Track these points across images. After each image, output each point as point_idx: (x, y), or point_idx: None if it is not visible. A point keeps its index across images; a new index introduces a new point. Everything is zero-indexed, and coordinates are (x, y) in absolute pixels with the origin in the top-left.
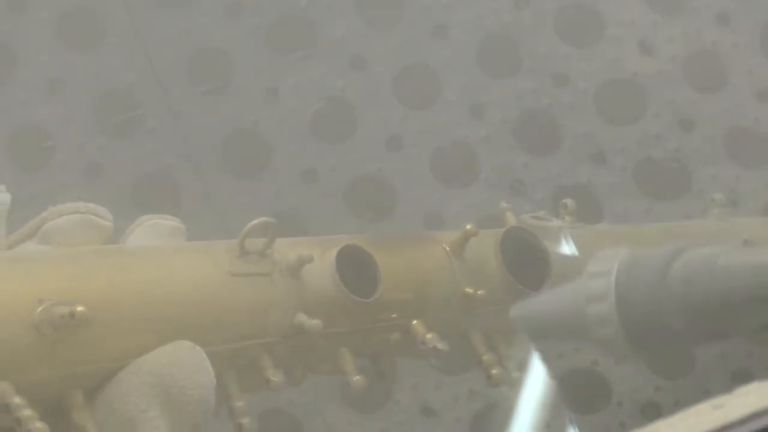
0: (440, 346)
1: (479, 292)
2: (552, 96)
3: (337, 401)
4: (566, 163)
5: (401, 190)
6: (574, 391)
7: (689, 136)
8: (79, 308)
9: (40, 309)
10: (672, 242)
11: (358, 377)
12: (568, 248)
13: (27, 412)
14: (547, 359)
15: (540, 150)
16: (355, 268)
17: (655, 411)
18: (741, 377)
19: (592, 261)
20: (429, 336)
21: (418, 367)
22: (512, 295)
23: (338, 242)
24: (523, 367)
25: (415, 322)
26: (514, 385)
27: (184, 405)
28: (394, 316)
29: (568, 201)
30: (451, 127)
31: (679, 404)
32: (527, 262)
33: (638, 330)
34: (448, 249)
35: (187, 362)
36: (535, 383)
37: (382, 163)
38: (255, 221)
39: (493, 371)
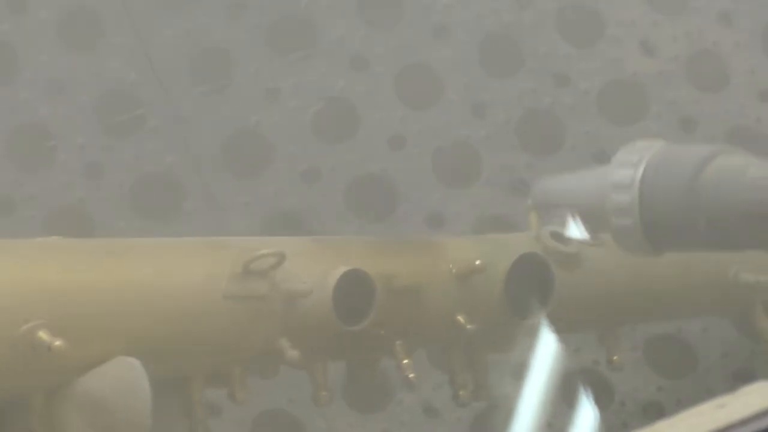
0: (412, 376)
1: (468, 326)
2: (553, 96)
3: (339, 401)
4: (568, 162)
5: (402, 189)
6: (577, 391)
7: (691, 136)
8: (57, 343)
9: (24, 328)
10: None
11: (324, 394)
12: (580, 272)
13: None
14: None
15: (542, 150)
16: (355, 284)
17: (657, 411)
18: (743, 377)
19: (622, 149)
20: (405, 362)
21: (418, 367)
22: (508, 327)
23: (346, 252)
24: (499, 387)
25: (398, 342)
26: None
27: (114, 428)
28: (381, 332)
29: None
30: (452, 127)
31: (681, 404)
32: (533, 279)
33: (658, 226)
34: (454, 271)
35: (122, 384)
36: (536, 384)
37: (384, 163)
38: (266, 252)
39: (461, 392)
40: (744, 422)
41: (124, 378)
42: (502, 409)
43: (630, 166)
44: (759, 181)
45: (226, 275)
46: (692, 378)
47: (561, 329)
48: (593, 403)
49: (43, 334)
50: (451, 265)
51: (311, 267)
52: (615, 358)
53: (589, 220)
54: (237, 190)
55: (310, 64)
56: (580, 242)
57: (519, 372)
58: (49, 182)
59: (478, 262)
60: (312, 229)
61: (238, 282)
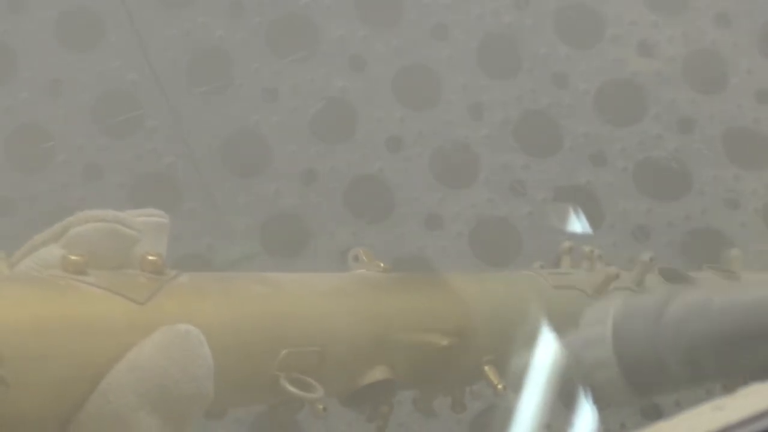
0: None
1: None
2: (552, 96)
3: (338, 402)
4: (566, 163)
5: (401, 190)
6: (575, 392)
7: (689, 137)
8: None
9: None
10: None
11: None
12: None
13: None
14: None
15: (540, 151)
16: None
17: (655, 412)
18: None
19: (587, 310)
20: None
21: None
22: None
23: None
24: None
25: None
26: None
27: (177, 401)
28: None
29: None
30: (450, 128)
31: (679, 405)
32: None
33: (637, 372)
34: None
35: (179, 351)
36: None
37: (382, 163)
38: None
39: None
40: (742, 424)
41: (183, 345)
42: (500, 410)
43: (598, 322)
44: (723, 308)
45: None
46: None
47: None
48: (591, 403)
49: None
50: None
51: None
52: None
53: (568, 386)
54: (236, 190)
55: (309, 64)
56: None
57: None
58: (48, 182)
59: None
60: (311, 229)
61: None
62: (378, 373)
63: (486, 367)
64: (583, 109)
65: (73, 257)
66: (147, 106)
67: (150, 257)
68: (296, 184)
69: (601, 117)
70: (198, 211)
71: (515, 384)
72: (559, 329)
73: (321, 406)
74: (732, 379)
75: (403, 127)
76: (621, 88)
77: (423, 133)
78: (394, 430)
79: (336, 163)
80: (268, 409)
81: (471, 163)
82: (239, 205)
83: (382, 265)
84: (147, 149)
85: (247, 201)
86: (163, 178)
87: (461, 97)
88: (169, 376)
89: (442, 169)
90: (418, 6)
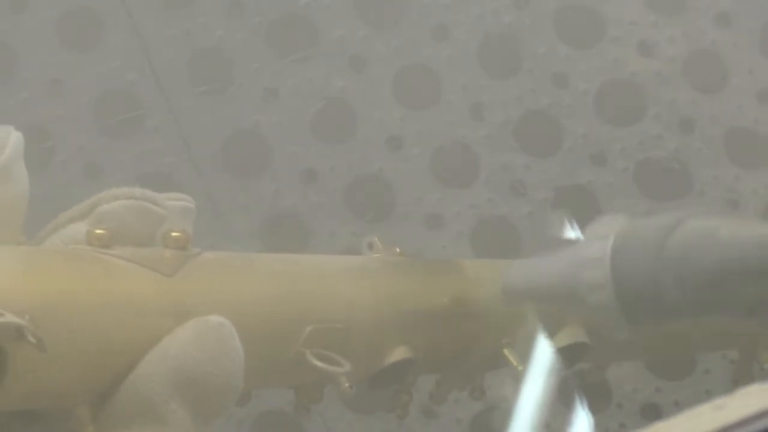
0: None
1: None
2: (552, 96)
3: (338, 402)
4: (566, 163)
5: (401, 190)
6: (574, 393)
7: (689, 137)
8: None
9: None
10: None
11: None
12: None
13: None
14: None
15: (540, 151)
16: None
17: (655, 412)
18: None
19: (589, 227)
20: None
21: None
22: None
23: None
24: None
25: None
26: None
27: (208, 394)
28: None
29: None
30: (451, 128)
31: (679, 405)
32: None
33: (633, 298)
34: None
35: (212, 344)
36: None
37: (382, 163)
38: None
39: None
40: (742, 424)
41: (215, 337)
42: (500, 410)
43: (598, 240)
44: (730, 241)
45: None
46: (690, 379)
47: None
48: (590, 404)
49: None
50: None
51: None
52: None
53: (563, 302)
54: (236, 190)
55: (309, 64)
56: None
57: (517, 373)
58: (48, 182)
59: None
60: (311, 228)
61: None
62: (400, 353)
63: (505, 350)
64: (583, 109)
65: (98, 231)
66: (147, 106)
67: (174, 233)
68: (296, 184)
69: (601, 117)
70: (198, 211)
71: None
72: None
73: (347, 384)
74: (731, 316)
75: (403, 127)
76: (621, 88)
77: (423, 133)
78: (396, 429)
79: (336, 163)
80: (294, 392)
81: (471, 163)
82: (239, 205)
83: (398, 250)
84: (147, 149)
85: (247, 201)
86: (163, 178)
87: (461, 97)
88: (201, 369)
89: (442, 169)
90: (418, 6)
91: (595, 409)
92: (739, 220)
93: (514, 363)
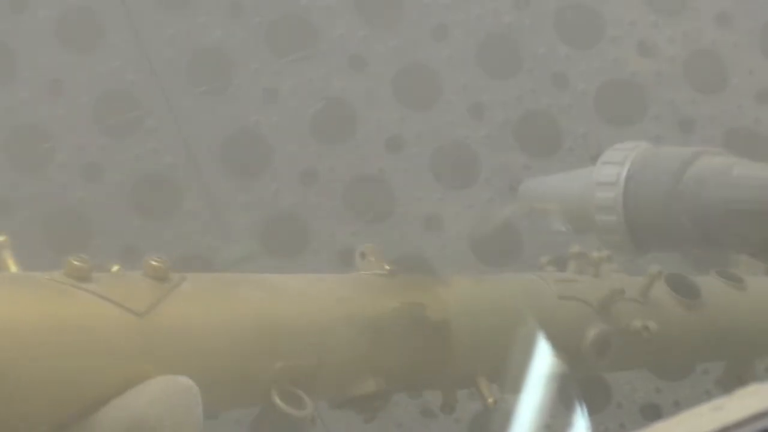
0: None
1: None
2: (552, 96)
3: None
4: (566, 163)
5: (401, 190)
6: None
7: (689, 137)
8: None
9: None
10: None
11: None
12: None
13: None
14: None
15: (540, 151)
16: None
17: (654, 412)
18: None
19: (608, 150)
20: None
21: None
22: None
23: None
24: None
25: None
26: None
27: None
28: None
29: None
30: (451, 128)
31: (679, 406)
32: None
33: (643, 223)
34: None
35: (177, 407)
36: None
37: (382, 164)
38: None
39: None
40: (741, 424)
41: (181, 402)
42: (499, 411)
43: (615, 164)
44: (743, 179)
45: None
46: (690, 380)
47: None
48: (591, 404)
49: None
50: None
51: None
52: None
53: (575, 219)
54: (236, 189)
55: (309, 64)
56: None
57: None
58: (48, 182)
59: None
60: (311, 228)
61: None
62: (369, 386)
63: (479, 379)
64: (583, 109)
65: (76, 262)
66: (147, 107)
67: (153, 262)
68: (296, 184)
69: (601, 117)
70: (198, 211)
71: (512, 393)
72: (560, 344)
73: (311, 422)
74: (737, 252)
75: (403, 127)
76: (621, 88)
77: (423, 133)
78: (394, 430)
79: (336, 163)
80: (261, 408)
81: (471, 163)
82: (239, 205)
83: (387, 267)
84: (147, 149)
85: (247, 201)
86: (163, 178)
87: (461, 97)
88: (161, 427)
89: (442, 170)
90: (418, 6)
91: (595, 409)
92: (754, 162)
93: (486, 394)
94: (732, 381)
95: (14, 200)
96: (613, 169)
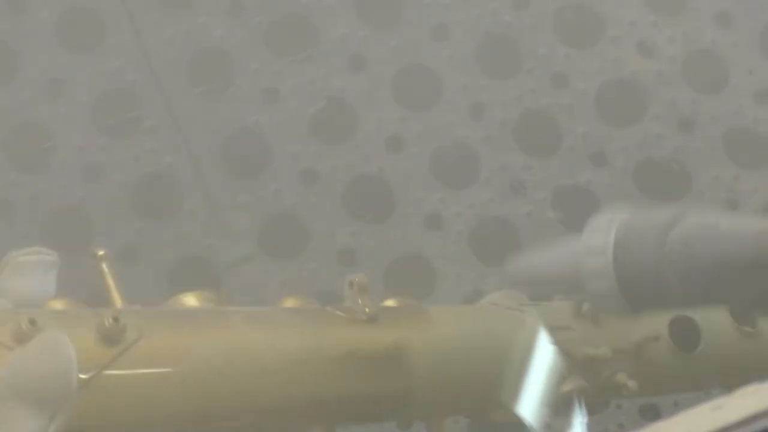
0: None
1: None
2: (552, 96)
3: None
4: (566, 163)
5: (401, 190)
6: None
7: (689, 137)
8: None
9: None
10: None
11: None
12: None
13: None
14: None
15: (540, 150)
16: None
17: (654, 412)
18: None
19: (591, 220)
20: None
21: None
22: None
23: None
24: None
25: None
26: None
27: (42, 392)
28: None
29: None
30: (451, 128)
31: (678, 405)
32: None
33: (635, 287)
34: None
35: (45, 352)
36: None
37: (382, 163)
38: None
39: None
40: (741, 424)
41: (48, 347)
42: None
43: (601, 232)
44: (731, 233)
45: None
46: None
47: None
48: (590, 404)
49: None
50: None
51: None
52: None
53: (567, 290)
54: (236, 190)
55: (309, 64)
56: None
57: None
58: (48, 182)
59: None
60: (311, 229)
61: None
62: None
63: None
64: (583, 109)
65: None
66: (147, 106)
67: (108, 321)
68: (296, 184)
69: (601, 117)
70: (198, 211)
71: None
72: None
73: None
74: (732, 307)
75: (403, 127)
76: (621, 88)
77: (423, 133)
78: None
79: (336, 163)
80: None
81: (471, 163)
82: (239, 205)
83: (367, 310)
84: (147, 149)
85: (247, 201)
86: (163, 178)
87: (461, 97)
88: (33, 371)
89: (442, 169)
90: (418, 6)
91: (594, 410)
92: (738, 216)
93: None
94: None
95: (14, 200)
96: (600, 236)
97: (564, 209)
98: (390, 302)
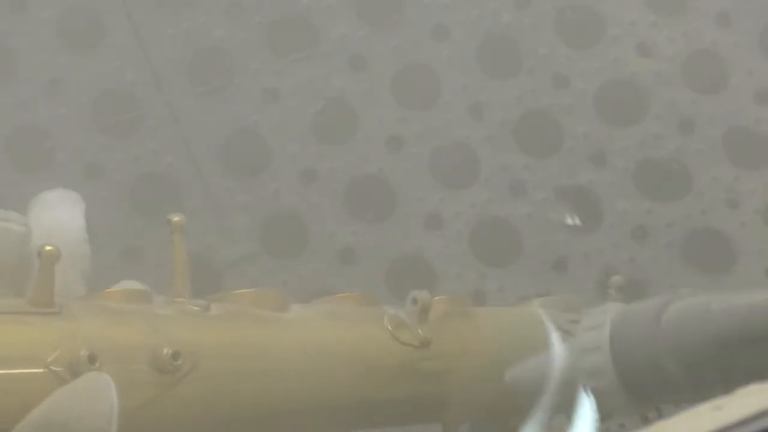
0: None
1: None
2: (552, 96)
3: None
4: (566, 163)
5: (401, 190)
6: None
7: (689, 137)
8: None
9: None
10: None
11: None
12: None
13: None
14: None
15: (540, 150)
16: None
17: (655, 412)
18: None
19: (585, 316)
20: None
21: None
22: None
23: None
24: None
25: None
26: None
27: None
28: None
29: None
30: (450, 128)
31: (679, 405)
32: None
33: (634, 379)
34: None
35: (86, 392)
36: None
37: (382, 163)
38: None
39: None
40: (741, 424)
41: (90, 385)
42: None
43: (595, 329)
44: (722, 310)
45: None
46: None
47: None
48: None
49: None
50: None
51: None
52: None
53: (567, 392)
54: (236, 189)
55: (309, 64)
56: None
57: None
58: (48, 182)
59: None
60: (311, 229)
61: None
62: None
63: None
64: (583, 109)
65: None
66: (147, 106)
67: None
68: (296, 184)
69: (601, 117)
70: (198, 211)
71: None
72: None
73: None
74: (731, 386)
75: (403, 127)
76: (621, 88)
77: (423, 133)
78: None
79: (336, 163)
80: None
81: (471, 163)
82: (239, 205)
83: (421, 332)
84: (147, 149)
85: (247, 201)
86: (163, 178)
87: (461, 97)
88: (74, 411)
89: (442, 169)
90: (418, 6)
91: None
92: (728, 293)
93: None
94: None
95: (14, 200)
96: (594, 334)
97: (564, 209)
98: (440, 305)
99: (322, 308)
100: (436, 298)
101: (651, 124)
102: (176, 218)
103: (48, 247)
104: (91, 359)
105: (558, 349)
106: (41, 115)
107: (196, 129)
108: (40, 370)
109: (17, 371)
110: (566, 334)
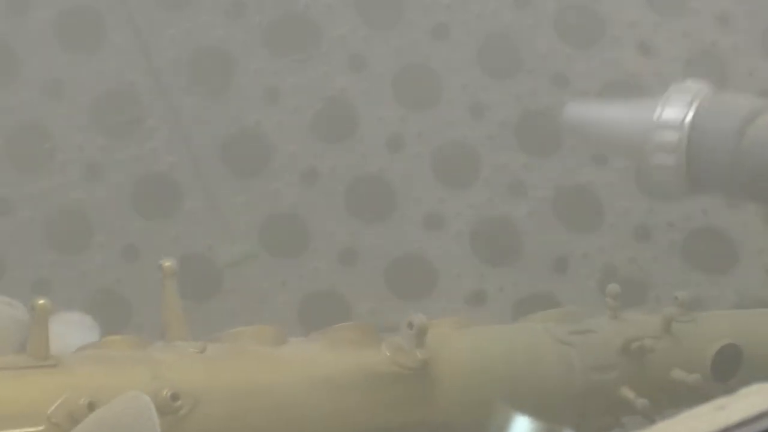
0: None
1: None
2: (552, 96)
3: None
4: (566, 163)
5: (401, 190)
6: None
7: None
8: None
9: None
10: None
11: None
12: None
13: None
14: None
15: (540, 150)
16: None
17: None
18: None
19: (672, 88)
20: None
21: None
22: None
23: None
24: None
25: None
26: None
27: None
28: None
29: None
30: (451, 128)
31: (678, 405)
32: None
33: (701, 169)
34: None
35: (128, 410)
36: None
37: (383, 164)
38: None
39: None
40: (743, 424)
41: (131, 404)
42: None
43: (681, 105)
44: None
45: None
46: None
47: None
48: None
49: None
50: None
51: None
52: None
53: (625, 153)
54: (236, 190)
55: (309, 64)
56: None
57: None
58: (48, 182)
59: None
60: (311, 229)
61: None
62: None
63: None
64: None
65: None
66: (147, 106)
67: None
68: (296, 184)
69: None
70: (198, 211)
71: None
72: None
73: None
74: None
75: (403, 127)
76: (621, 88)
77: (423, 132)
78: None
79: (336, 162)
80: None
81: (471, 163)
82: (239, 205)
83: (419, 355)
84: (147, 149)
85: (247, 201)
86: (163, 178)
87: (461, 97)
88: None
89: (442, 169)
90: (418, 6)
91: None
92: None
93: None
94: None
95: (14, 200)
96: (677, 111)
97: (564, 209)
98: (439, 326)
99: (320, 340)
100: (434, 321)
101: None
102: (167, 263)
103: (41, 301)
104: (91, 407)
105: (630, 108)
106: (41, 115)
107: (196, 129)
108: (41, 428)
109: (16, 431)
110: (568, 346)
